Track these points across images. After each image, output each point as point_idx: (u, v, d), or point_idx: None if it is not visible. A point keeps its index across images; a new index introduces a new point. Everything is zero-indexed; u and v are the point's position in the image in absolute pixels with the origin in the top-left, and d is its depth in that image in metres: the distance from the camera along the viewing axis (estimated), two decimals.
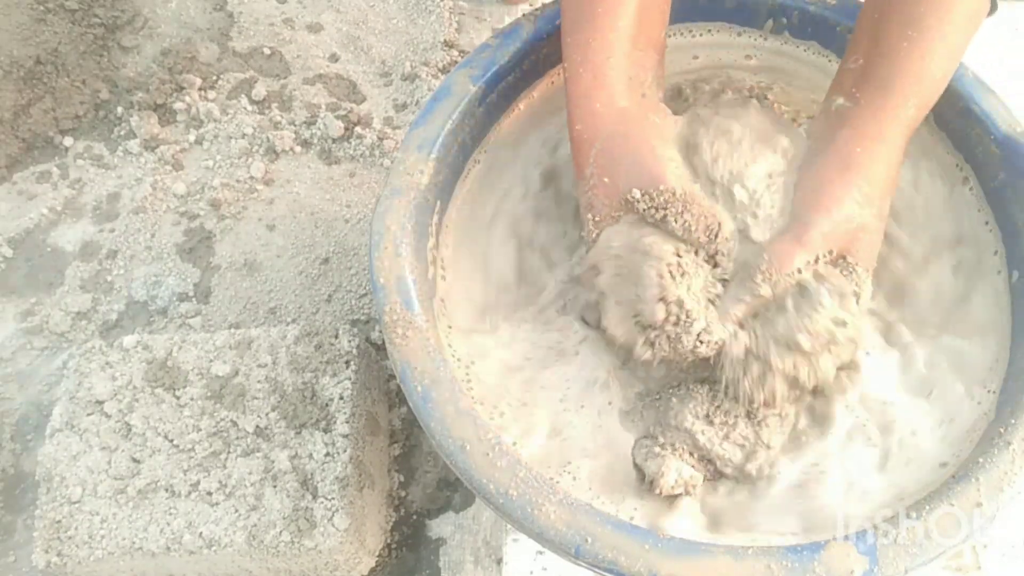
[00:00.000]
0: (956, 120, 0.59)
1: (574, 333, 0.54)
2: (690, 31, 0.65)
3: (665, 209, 0.49)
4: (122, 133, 0.96)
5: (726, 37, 0.65)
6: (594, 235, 0.52)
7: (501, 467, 0.44)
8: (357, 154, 0.94)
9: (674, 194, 0.49)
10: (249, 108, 0.96)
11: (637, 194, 0.49)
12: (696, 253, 0.50)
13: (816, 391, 0.51)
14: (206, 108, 0.95)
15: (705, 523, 0.49)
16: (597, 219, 0.52)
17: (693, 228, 0.49)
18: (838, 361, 0.50)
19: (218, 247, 0.88)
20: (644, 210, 0.49)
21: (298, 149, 0.95)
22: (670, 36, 0.61)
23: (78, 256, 0.88)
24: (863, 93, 0.52)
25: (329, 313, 0.84)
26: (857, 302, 0.49)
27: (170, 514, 0.63)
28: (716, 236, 0.49)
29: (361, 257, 0.87)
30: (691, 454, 0.50)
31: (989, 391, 0.51)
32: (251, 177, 0.92)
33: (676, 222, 0.49)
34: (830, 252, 0.49)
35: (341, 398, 0.67)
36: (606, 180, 0.51)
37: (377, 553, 0.72)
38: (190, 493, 0.64)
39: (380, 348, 0.80)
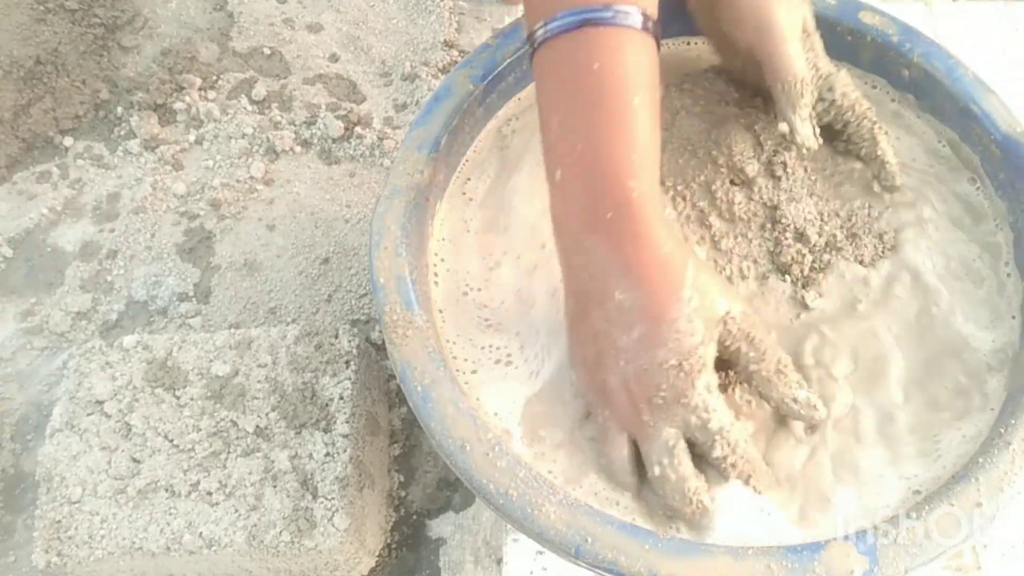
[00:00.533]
0: (956, 120, 0.59)
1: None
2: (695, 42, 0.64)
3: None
4: (122, 133, 0.96)
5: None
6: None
7: (501, 467, 0.44)
8: (357, 154, 0.94)
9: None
10: (249, 108, 0.96)
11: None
12: None
13: None
14: (206, 108, 0.95)
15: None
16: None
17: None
18: None
19: (218, 247, 0.88)
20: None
21: (298, 149, 0.95)
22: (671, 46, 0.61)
23: (78, 256, 0.88)
24: None
25: (329, 313, 0.84)
26: None
27: (170, 514, 0.63)
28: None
29: (361, 257, 0.87)
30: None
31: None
32: (251, 177, 0.92)
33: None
34: None
35: (341, 398, 0.67)
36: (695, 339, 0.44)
37: (377, 553, 0.72)
38: (190, 493, 0.64)
39: (380, 348, 0.80)
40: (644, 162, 0.41)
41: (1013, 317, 0.53)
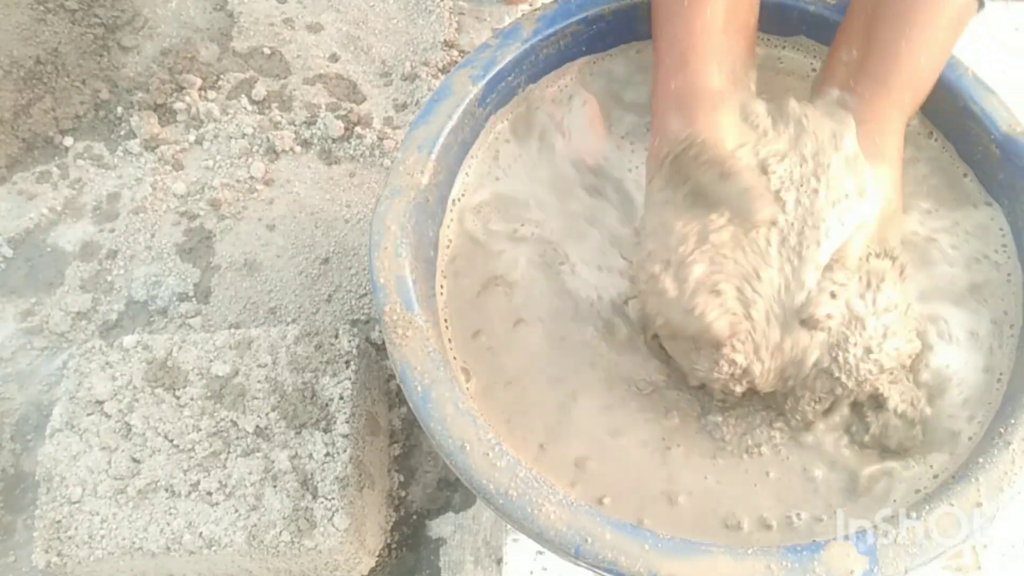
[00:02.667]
0: (956, 120, 0.59)
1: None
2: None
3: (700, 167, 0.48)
4: (122, 133, 0.96)
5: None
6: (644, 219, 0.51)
7: (501, 467, 0.44)
8: (357, 154, 0.94)
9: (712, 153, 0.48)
10: (249, 108, 0.96)
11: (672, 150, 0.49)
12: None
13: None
14: (206, 108, 0.95)
15: None
16: (648, 193, 0.51)
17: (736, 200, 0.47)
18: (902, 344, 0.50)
19: (218, 247, 0.88)
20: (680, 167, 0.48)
21: (298, 149, 0.95)
22: None
23: (78, 256, 0.88)
24: (862, 87, 0.53)
25: (329, 313, 0.84)
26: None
27: (170, 514, 0.63)
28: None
29: (361, 257, 0.87)
30: None
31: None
32: (251, 177, 0.92)
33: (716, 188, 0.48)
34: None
35: (341, 398, 0.67)
36: (656, 142, 0.50)
37: (377, 553, 0.72)
38: (190, 493, 0.64)
39: (380, 348, 0.80)
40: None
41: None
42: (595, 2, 0.60)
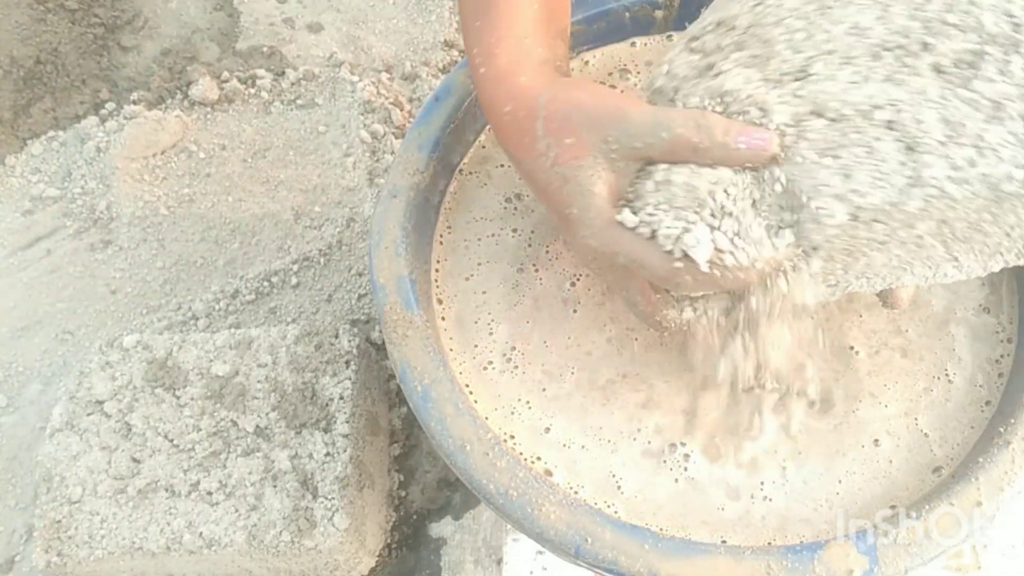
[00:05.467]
0: None
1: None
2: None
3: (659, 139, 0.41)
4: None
5: None
6: (581, 223, 0.43)
7: (501, 467, 0.44)
8: None
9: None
10: None
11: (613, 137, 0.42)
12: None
13: None
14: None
15: None
16: (582, 186, 0.43)
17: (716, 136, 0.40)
18: None
19: None
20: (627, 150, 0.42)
21: None
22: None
23: None
24: None
25: (329, 313, 0.84)
26: None
27: (170, 514, 0.63)
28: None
29: (361, 257, 0.87)
30: None
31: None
32: None
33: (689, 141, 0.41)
34: None
35: (341, 398, 0.67)
36: (568, 142, 0.43)
37: (377, 553, 0.72)
38: (190, 493, 0.64)
39: (380, 348, 0.80)
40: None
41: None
42: (595, 2, 0.60)
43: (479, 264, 0.56)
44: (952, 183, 0.37)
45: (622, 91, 0.51)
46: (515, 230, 0.56)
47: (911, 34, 0.40)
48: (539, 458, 0.48)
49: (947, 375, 0.51)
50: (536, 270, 0.55)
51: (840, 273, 0.41)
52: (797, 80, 0.40)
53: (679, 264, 0.40)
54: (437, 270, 0.55)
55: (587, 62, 0.61)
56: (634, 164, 0.42)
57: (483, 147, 0.60)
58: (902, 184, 0.38)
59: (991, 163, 0.37)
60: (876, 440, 0.49)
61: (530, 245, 0.56)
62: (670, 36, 0.62)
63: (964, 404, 0.50)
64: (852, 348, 0.51)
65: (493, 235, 0.56)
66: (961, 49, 0.39)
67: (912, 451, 0.49)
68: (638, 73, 0.60)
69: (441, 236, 0.57)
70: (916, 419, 0.50)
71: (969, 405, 0.50)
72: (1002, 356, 0.52)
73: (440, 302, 0.54)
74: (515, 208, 0.57)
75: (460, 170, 0.59)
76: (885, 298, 0.46)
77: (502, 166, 0.59)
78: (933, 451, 0.49)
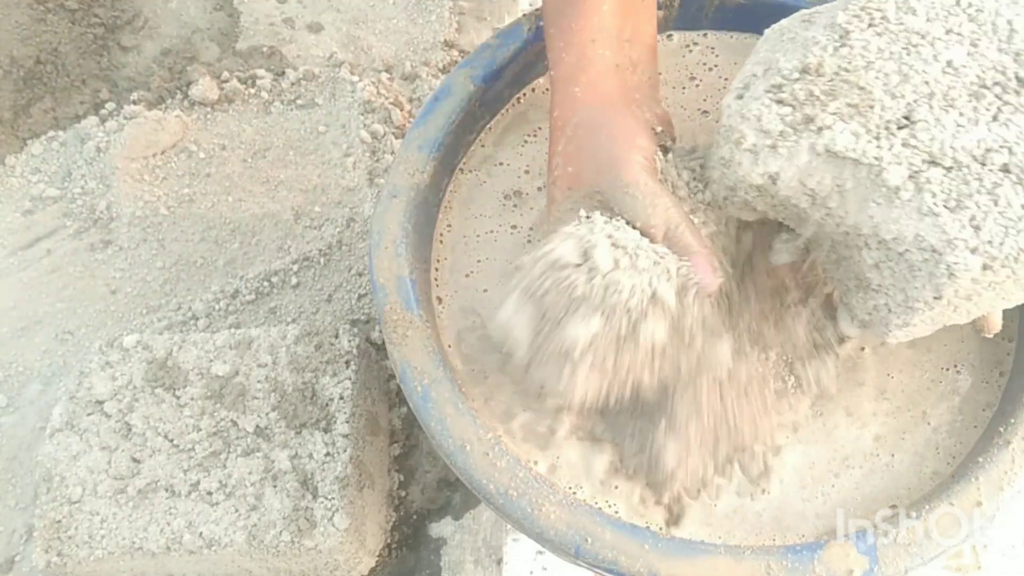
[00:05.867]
0: None
1: None
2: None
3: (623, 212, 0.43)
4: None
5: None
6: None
7: (501, 467, 0.44)
8: None
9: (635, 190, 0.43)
10: None
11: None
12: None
13: None
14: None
15: None
16: (555, 215, 0.46)
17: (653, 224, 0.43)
18: None
19: None
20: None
21: None
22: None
23: None
24: None
25: (329, 313, 0.84)
26: None
27: (170, 514, 0.63)
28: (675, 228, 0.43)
29: (361, 257, 0.87)
30: None
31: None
32: None
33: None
34: None
35: (341, 398, 0.67)
36: (570, 170, 0.46)
37: (377, 553, 0.72)
38: (190, 493, 0.64)
39: (380, 348, 0.80)
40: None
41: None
42: None
43: (478, 261, 0.56)
44: None
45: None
46: (514, 227, 0.56)
47: (1006, 69, 0.39)
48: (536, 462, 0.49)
49: (955, 367, 0.51)
50: None
51: (951, 314, 0.40)
52: (902, 128, 0.39)
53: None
54: (437, 268, 0.55)
55: None
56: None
57: (483, 146, 0.60)
58: (1018, 224, 0.37)
59: None
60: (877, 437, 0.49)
61: (528, 241, 0.56)
62: (670, 35, 0.62)
63: (972, 396, 0.50)
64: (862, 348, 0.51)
65: (491, 232, 0.56)
66: None
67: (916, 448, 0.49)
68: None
69: (441, 235, 0.57)
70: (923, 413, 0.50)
71: (973, 402, 0.50)
72: (1005, 355, 0.52)
73: (440, 300, 0.54)
74: (514, 205, 0.58)
75: (460, 169, 0.59)
76: (979, 325, 0.45)
77: (501, 164, 0.59)
78: (939, 450, 0.49)
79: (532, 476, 0.44)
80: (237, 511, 0.63)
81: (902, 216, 0.38)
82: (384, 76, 0.99)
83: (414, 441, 0.78)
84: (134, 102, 0.96)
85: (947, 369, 0.51)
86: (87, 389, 0.68)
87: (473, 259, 0.56)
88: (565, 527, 0.43)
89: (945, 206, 0.38)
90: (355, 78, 0.98)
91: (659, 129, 0.48)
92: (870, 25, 0.41)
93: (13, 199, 0.92)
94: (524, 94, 0.62)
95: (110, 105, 0.96)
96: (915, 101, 0.39)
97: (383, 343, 0.72)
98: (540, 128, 0.61)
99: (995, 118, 0.39)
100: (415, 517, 0.75)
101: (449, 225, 0.57)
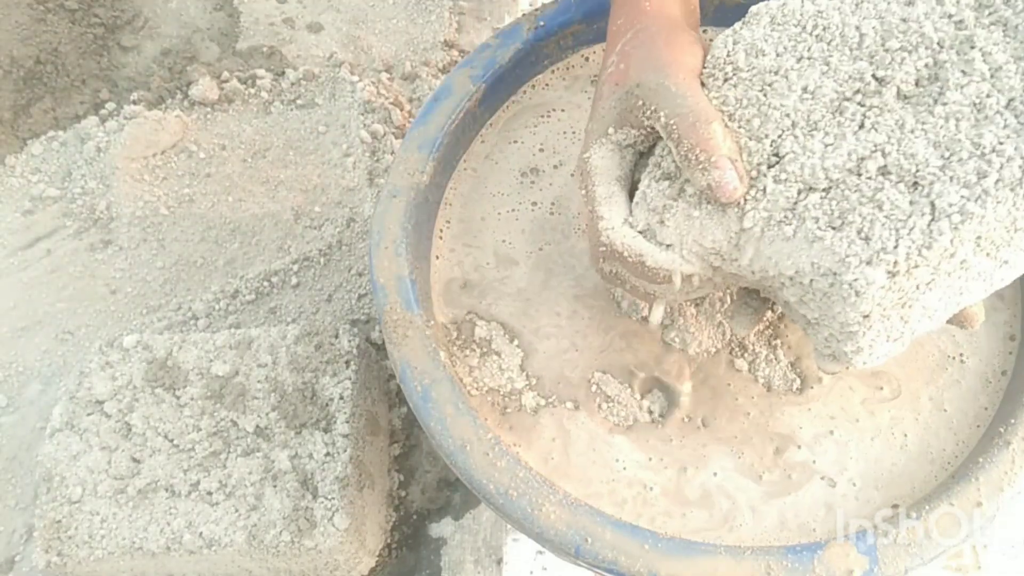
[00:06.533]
0: None
1: None
2: None
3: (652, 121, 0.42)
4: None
5: None
6: (588, 139, 0.45)
7: (501, 467, 0.44)
8: None
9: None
10: None
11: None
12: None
13: None
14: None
15: None
16: (599, 113, 0.45)
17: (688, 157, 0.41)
18: None
19: None
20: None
21: None
22: None
23: None
24: None
25: (329, 313, 0.84)
26: None
27: (170, 514, 0.63)
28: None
29: (361, 257, 0.87)
30: None
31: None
32: None
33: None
34: None
35: (341, 398, 0.67)
36: (622, 67, 0.45)
37: (377, 553, 0.71)
38: (190, 493, 0.64)
39: (380, 348, 0.80)
40: None
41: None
42: (596, 1, 0.60)
43: (503, 241, 0.56)
44: (971, 202, 0.36)
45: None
46: (534, 203, 0.57)
47: (863, 74, 0.39)
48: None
49: (960, 357, 0.51)
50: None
51: (901, 326, 0.39)
52: (772, 167, 0.40)
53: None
54: (437, 258, 0.55)
55: (587, 59, 0.61)
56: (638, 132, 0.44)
57: (483, 142, 0.60)
58: (923, 224, 0.36)
59: (999, 165, 0.36)
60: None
61: (551, 214, 0.56)
62: None
63: (976, 387, 0.50)
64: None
65: (513, 210, 0.57)
66: (917, 68, 0.38)
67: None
68: None
69: (441, 231, 0.57)
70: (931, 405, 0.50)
71: (977, 399, 0.50)
72: (1008, 353, 0.52)
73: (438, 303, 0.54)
74: (532, 182, 0.58)
75: (462, 163, 0.59)
76: (959, 322, 0.44)
77: (496, 162, 0.59)
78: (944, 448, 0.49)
79: (532, 476, 0.44)
80: (237, 511, 0.63)
81: (794, 250, 0.39)
82: (384, 76, 0.99)
83: (414, 441, 0.78)
84: (134, 102, 0.96)
85: (950, 364, 0.51)
86: (87, 389, 0.68)
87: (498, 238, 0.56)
88: (565, 527, 0.43)
89: (830, 227, 0.38)
90: (355, 78, 0.98)
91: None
92: (725, 80, 0.42)
93: (13, 199, 0.92)
94: (524, 91, 0.62)
95: (110, 105, 0.96)
96: (780, 136, 0.40)
97: (383, 343, 0.72)
98: (553, 111, 0.61)
99: (861, 126, 0.39)
100: (415, 517, 0.75)
101: (448, 222, 0.57)
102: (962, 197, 0.36)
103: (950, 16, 0.38)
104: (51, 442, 0.66)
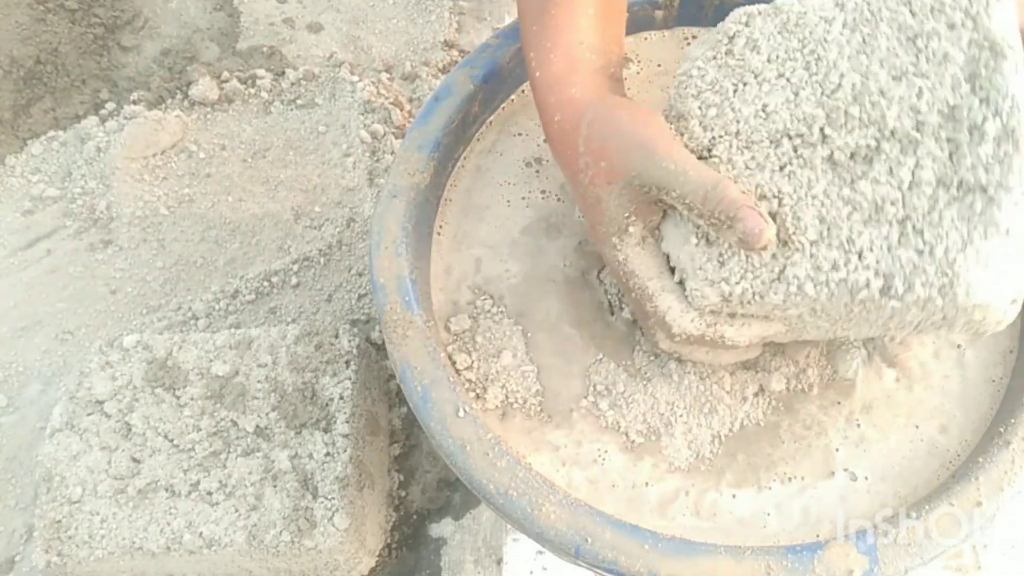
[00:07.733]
0: None
1: None
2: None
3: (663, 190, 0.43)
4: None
5: None
6: (608, 241, 0.46)
7: (501, 467, 0.44)
8: None
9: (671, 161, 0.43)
10: None
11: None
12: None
13: None
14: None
15: None
16: (608, 216, 0.46)
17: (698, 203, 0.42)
18: None
19: None
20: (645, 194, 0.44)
21: None
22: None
23: None
24: None
25: (329, 313, 0.84)
26: None
27: (170, 514, 0.63)
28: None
29: (361, 257, 0.87)
30: None
31: None
32: None
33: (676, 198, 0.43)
34: None
35: (341, 398, 0.67)
36: (603, 165, 0.45)
37: (377, 553, 0.72)
38: (190, 493, 0.64)
39: (380, 348, 0.80)
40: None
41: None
42: None
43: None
44: (811, 283, 0.39)
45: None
46: (543, 192, 0.57)
47: (814, 123, 0.40)
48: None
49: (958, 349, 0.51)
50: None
51: (803, 331, 0.44)
52: (701, 159, 0.42)
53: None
54: (438, 256, 0.55)
55: None
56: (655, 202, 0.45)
57: (482, 140, 0.60)
58: (767, 278, 0.40)
59: (851, 269, 0.38)
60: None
61: (559, 200, 0.56)
62: (671, 27, 0.62)
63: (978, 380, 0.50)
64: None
65: (524, 198, 0.57)
66: (858, 144, 0.40)
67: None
68: (639, 62, 0.61)
69: (440, 229, 0.57)
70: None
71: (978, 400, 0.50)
72: (1008, 351, 0.52)
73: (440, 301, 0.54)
74: (536, 171, 0.58)
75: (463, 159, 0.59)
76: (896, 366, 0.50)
77: (500, 154, 0.59)
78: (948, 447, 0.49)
79: (532, 476, 0.44)
80: (237, 511, 0.63)
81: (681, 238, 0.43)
82: (384, 76, 0.99)
83: (414, 441, 0.78)
84: (134, 102, 0.96)
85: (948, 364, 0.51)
86: (87, 389, 0.68)
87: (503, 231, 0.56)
88: (565, 527, 0.43)
89: (706, 239, 0.42)
90: (355, 78, 0.98)
91: None
92: (713, 58, 0.43)
93: (13, 199, 0.92)
94: (524, 91, 0.62)
95: (110, 105, 0.96)
96: (719, 136, 0.42)
97: (383, 343, 0.72)
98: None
99: (782, 168, 0.40)
100: (415, 517, 0.75)
101: (447, 221, 0.57)
102: (808, 276, 0.39)
103: (917, 113, 0.39)
104: (51, 442, 0.66)
